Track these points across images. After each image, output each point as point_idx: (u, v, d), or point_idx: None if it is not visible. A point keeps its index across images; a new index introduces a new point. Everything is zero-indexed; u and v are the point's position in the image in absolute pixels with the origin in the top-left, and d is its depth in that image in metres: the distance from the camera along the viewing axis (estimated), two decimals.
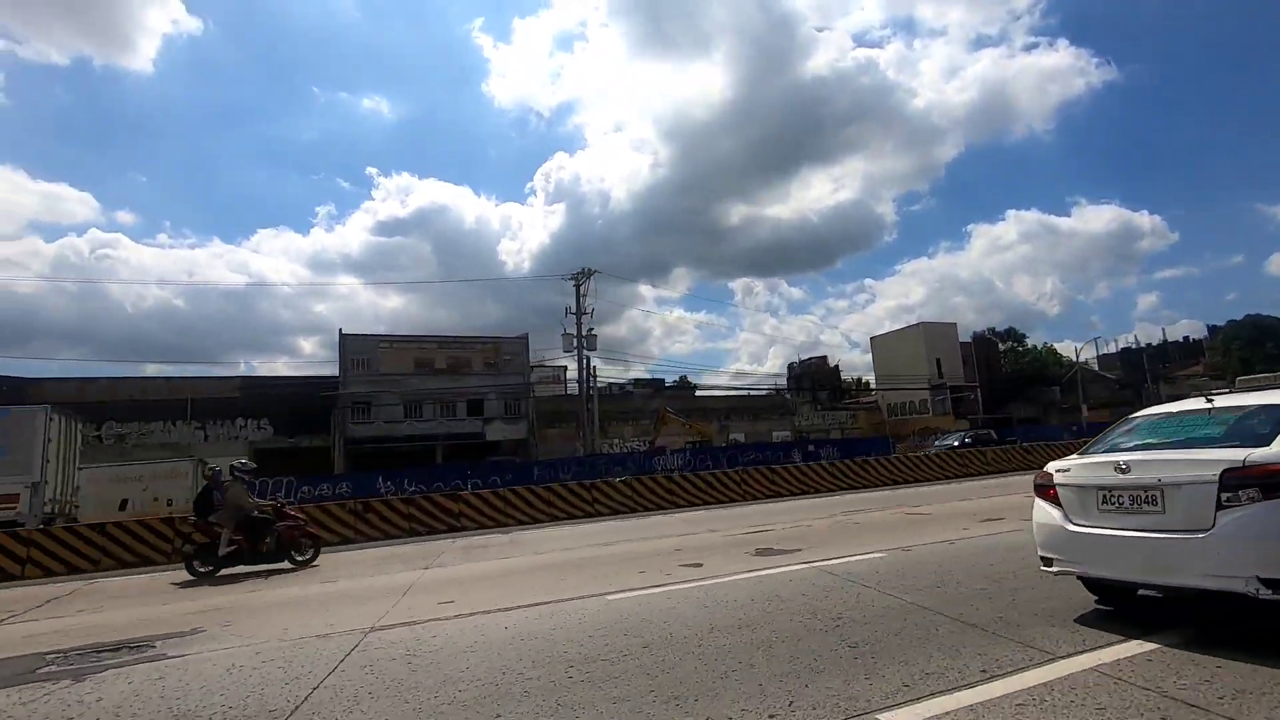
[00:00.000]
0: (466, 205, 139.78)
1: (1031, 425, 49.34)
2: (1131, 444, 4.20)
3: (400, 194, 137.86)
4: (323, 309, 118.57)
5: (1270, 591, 3.08)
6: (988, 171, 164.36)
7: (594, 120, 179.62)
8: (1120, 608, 4.29)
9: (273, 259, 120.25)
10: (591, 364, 33.02)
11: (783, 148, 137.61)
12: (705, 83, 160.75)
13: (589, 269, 32.04)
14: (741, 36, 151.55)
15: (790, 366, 70.82)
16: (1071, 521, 4.05)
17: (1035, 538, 4.39)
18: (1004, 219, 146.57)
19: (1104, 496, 3.88)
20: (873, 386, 65.02)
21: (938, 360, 58.63)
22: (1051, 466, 4.36)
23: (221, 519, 9.74)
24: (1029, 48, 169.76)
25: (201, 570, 9.69)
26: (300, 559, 10.11)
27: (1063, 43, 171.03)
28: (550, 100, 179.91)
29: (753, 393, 58.64)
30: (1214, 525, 3.32)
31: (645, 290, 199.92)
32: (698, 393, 52.83)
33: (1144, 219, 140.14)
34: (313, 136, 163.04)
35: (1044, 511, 4.30)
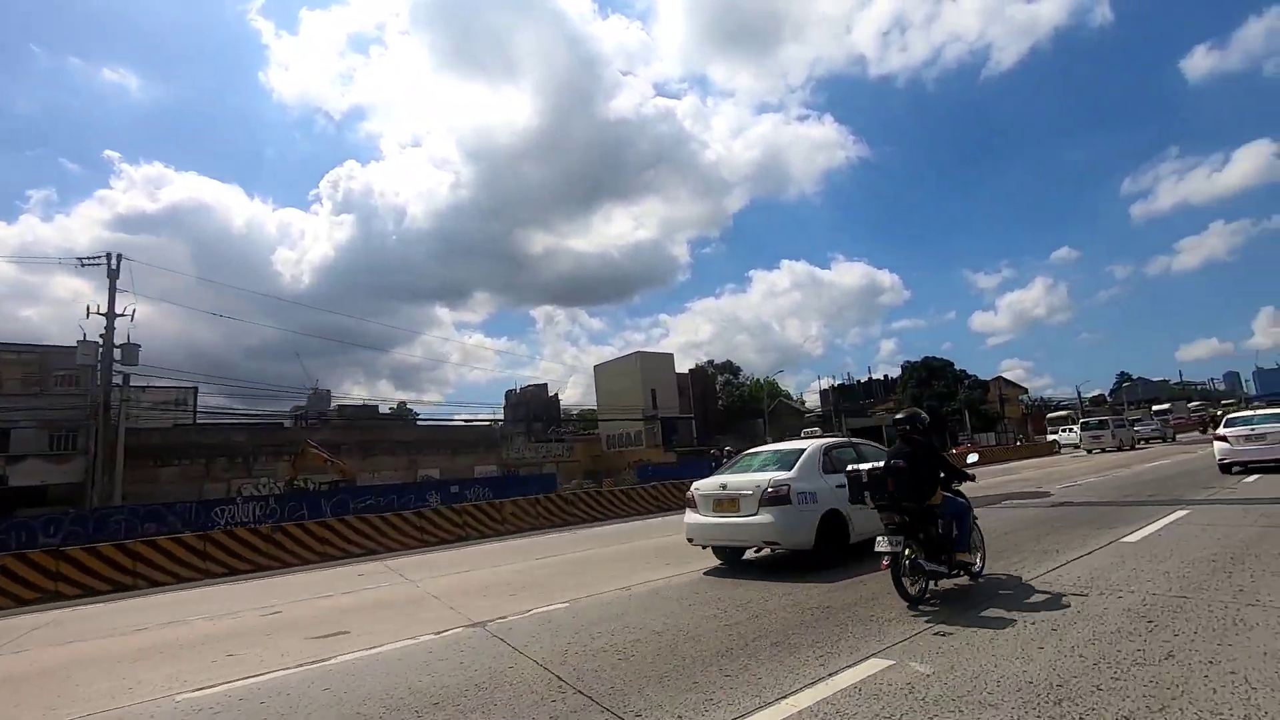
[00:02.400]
0: (236, 206, 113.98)
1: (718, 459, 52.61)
2: (732, 471, 8.51)
3: (149, 186, 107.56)
4: (32, 314, 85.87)
5: (770, 549, 7.79)
6: (767, 223, 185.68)
7: (390, 131, 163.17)
8: (731, 565, 8.17)
9: None
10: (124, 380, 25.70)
11: (586, 182, 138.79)
12: (512, 108, 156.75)
13: (117, 254, 25.36)
14: (550, 68, 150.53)
15: (507, 395, 68.04)
16: (701, 516, 7.93)
17: (685, 529, 8.14)
18: (779, 268, 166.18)
19: (714, 502, 7.82)
20: (574, 416, 65.03)
21: (653, 391, 60.68)
22: (693, 486, 8.28)
23: None
24: (802, 118, 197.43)
25: None
26: None
27: (829, 118, 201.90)
28: (340, 103, 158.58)
29: (474, 423, 54.41)
30: (758, 515, 7.25)
31: (443, 313, 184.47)
32: (419, 423, 47.60)
33: (886, 276, 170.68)
34: (30, 107, 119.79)
35: (689, 513, 8.17)
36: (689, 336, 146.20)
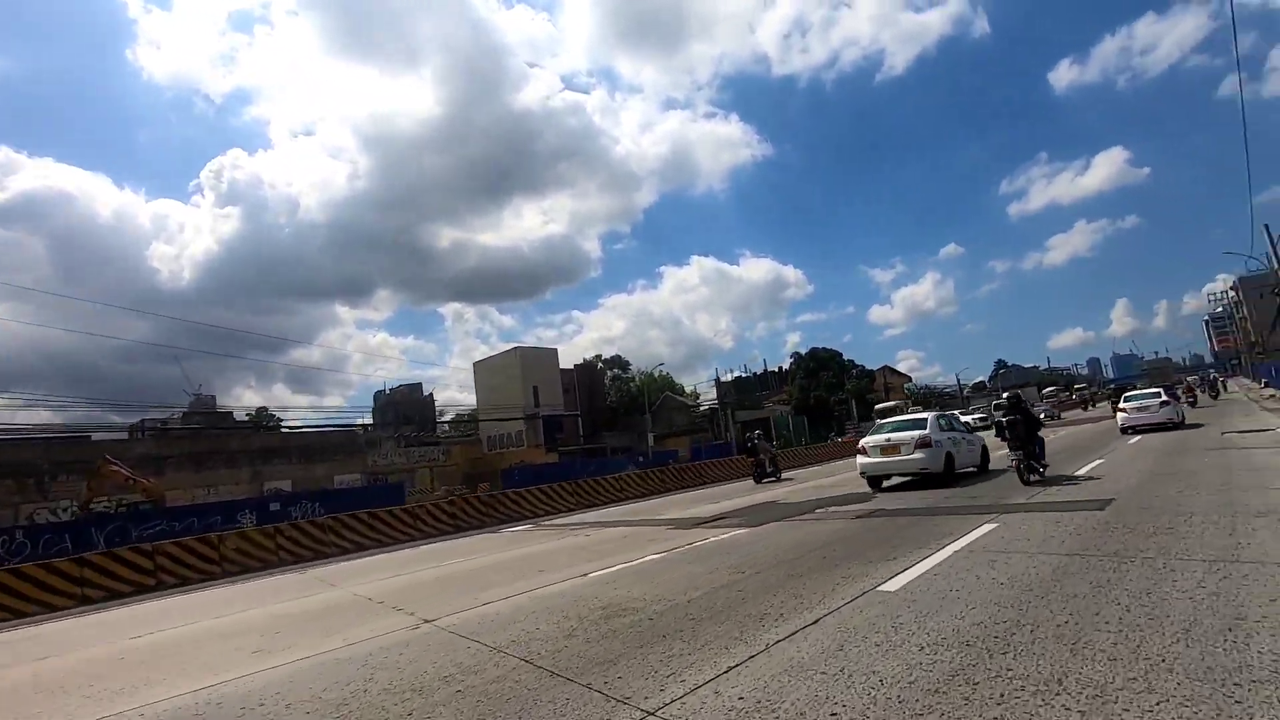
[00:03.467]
0: (103, 196, 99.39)
1: (603, 458, 51.43)
2: (888, 429, 13.89)
3: None
4: None
5: (924, 470, 12.69)
6: (677, 219, 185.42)
7: (279, 117, 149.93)
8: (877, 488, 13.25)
9: None
10: None
11: (494, 175, 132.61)
12: (412, 97, 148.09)
13: None
14: (453, 57, 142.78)
15: (376, 396, 63.92)
16: (871, 459, 13.29)
17: (859, 468, 13.59)
18: (689, 263, 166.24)
19: (882, 449, 13.15)
20: (463, 417, 62.06)
21: (535, 388, 58.60)
22: (862, 442, 14.25)
23: None
24: (709, 116, 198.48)
25: None
26: None
27: (734, 117, 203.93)
28: (221, 85, 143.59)
29: (330, 429, 50.38)
30: (915, 454, 12.62)
31: (343, 311, 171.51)
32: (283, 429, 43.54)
33: (791, 272, 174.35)
34: None
35: (860, 459, 13.57)
36: (602, 332, 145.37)
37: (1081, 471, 11.81)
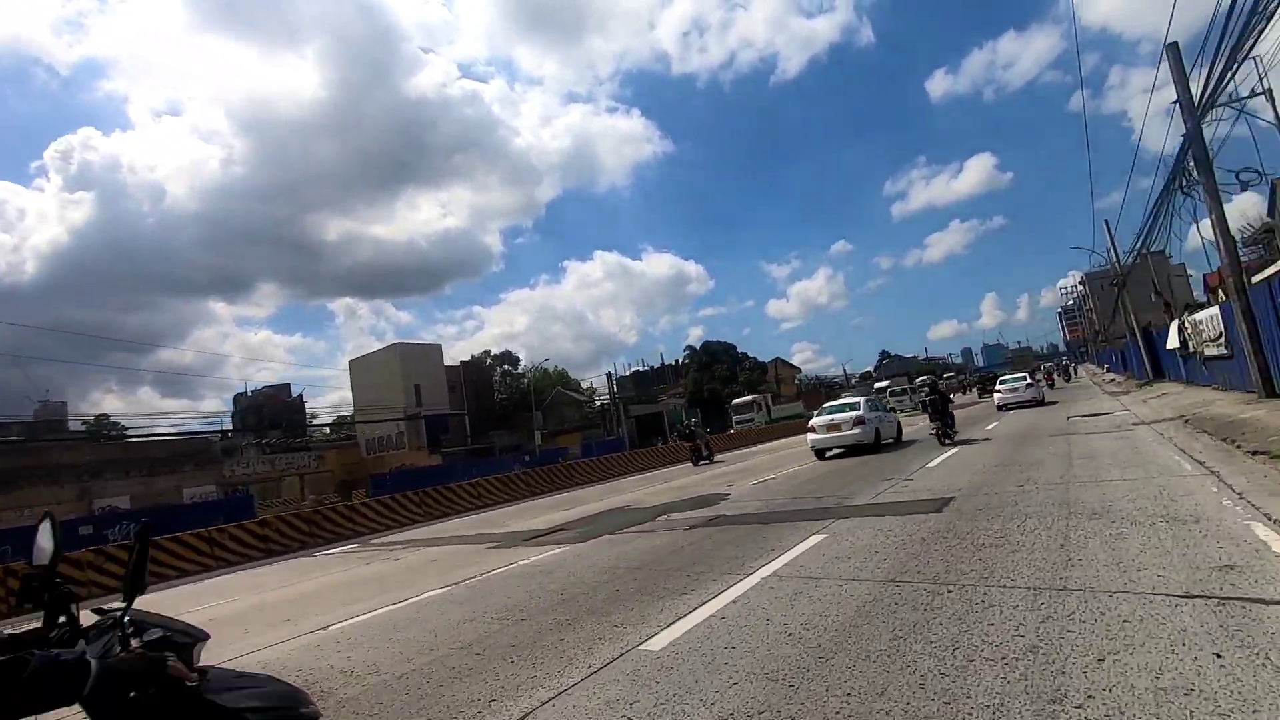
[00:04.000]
0: None
1: (491, 458, 49.34)
2: (832, 409, 17.07)
3: None
4: None
5: (860, 442, 15.63)
6: (580, 214, 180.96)
7: (139, 94, 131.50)
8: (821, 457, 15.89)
9: None
10: None
11: (387, 164, 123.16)
12: (295, 78, 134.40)
13: None
14: (338, 38, 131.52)
15: (236, 399, 58.34)
16: (819, 435, 16.32)
17: (809, 443, 16.84)
18: (592, 258, 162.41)
19: (828, 427, 16.18)
20: (307, 420, 57.84)
21: (416, 386, 55.30)
22: (811, 421, 17.64)
23: None
24: (611, 110, 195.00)
25: None
26: None
27: (636, 112, 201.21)
28: (67, 55, 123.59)
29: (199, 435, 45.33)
30: (854, 430, 15.63)
31: (220, 308, 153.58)
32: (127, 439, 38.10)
33: (692, 267, 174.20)
34: None
35: (810, 435, 16.83)
36: (504, 328, 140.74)
37: (980, 435, 15.90)
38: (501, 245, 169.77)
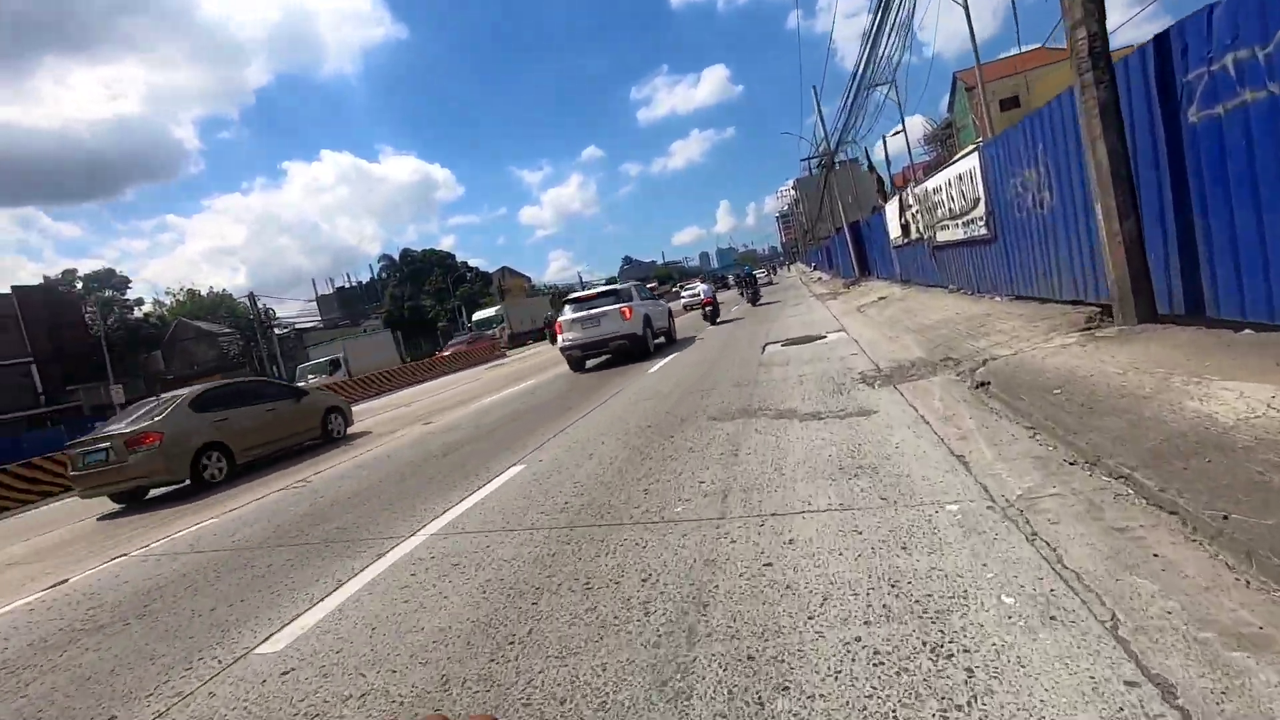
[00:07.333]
0: None
1: (77, 420, 34.27)
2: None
3: None
4: None
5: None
6: (301, 106, 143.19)
7: None
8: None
9: None
10: None
11: (12, 20, 76.85)
12: None
13: None
14: None
15: None
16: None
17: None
18: (320, 159, 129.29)
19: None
20: None
21: None
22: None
23: None
24: None
25: None
26: None
27: None
28: None
29: None
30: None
31: None
32: None
33: (439, 171, 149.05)
34: None
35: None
36: (215, 241, 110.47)
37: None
38: (199, 140, 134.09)
